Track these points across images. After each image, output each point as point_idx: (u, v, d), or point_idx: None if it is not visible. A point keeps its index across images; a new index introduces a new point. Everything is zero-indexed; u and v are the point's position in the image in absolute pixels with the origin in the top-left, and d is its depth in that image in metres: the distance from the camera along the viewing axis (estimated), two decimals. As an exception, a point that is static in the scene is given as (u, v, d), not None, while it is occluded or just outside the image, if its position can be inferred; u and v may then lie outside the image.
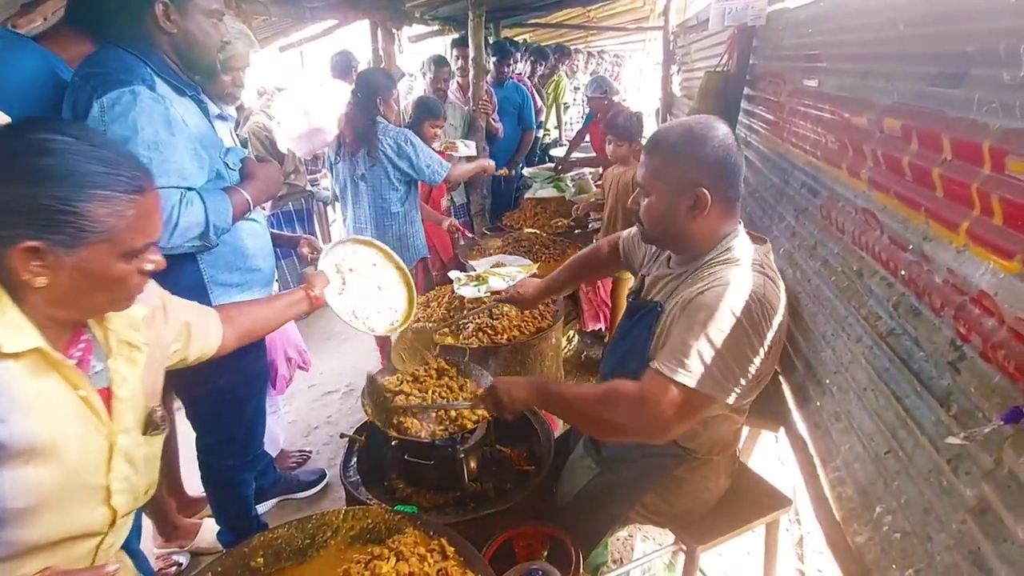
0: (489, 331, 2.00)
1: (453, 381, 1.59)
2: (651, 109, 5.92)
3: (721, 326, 1.02)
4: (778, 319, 1.06)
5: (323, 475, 2.42)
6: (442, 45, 5.36)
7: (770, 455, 2.39)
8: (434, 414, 1.46)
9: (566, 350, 3.07)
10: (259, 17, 2.46)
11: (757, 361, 1.06)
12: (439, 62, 3.75)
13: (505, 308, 2.08)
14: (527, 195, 3.76)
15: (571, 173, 4.18)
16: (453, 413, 1.46)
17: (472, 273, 2.26)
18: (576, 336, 3.26)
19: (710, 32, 3.82)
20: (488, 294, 2.09)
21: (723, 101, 2.93)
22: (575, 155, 4.54)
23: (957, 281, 1.07)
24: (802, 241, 1.94)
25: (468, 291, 2.08)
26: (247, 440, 1.80)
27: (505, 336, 1.99)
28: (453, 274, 2.26)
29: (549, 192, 3.72)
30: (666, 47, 5.36)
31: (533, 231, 3.13)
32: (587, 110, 7.18)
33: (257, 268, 1.62)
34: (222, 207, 1.36)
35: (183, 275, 1.42)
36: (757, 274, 1.08)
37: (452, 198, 4.00)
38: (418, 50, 5.52)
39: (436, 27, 4.80)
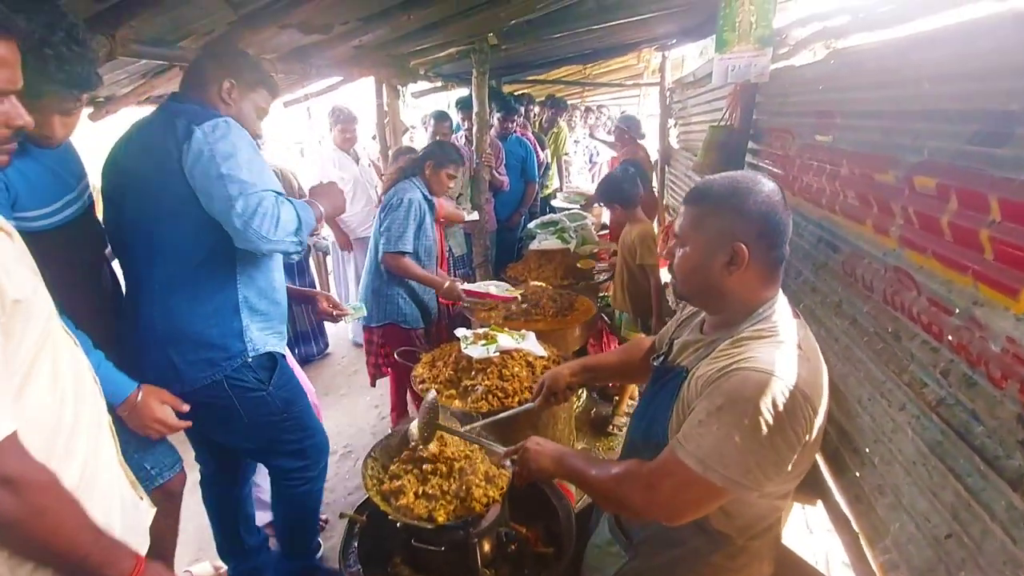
0: (499, 393, 1.89)
1: (464, 461, 1.47)
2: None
3: (748, 422, 0.91)
4: (819, 419, 0.95)
5: (318, 547, 2.27)
6: (444, 100, 5.49)
7: (798, 523, 2.24)
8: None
9: (576, 408, 2.94)
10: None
11: (791, 460, 0.95)
12: (439, 116, 3.82)
13: (515, 369, 1.98)
14: (531, 246, 3.72)
15: (574, 224, 4.17)
16: (463, 494, 1.34)
17: (480, 331, 2.17)
18: (585, 393, 3.14)
19: (708, 88, 3.91)
20: (497, 353, 1.99)
21: (728, 154, 2.94)
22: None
23: (1021, 351, 0.98)
24: (824, 298, 1.87)
25: (476, 351, 1.98)
26: (313, 447, 1.90)
27: (516, 399, 1.88)
28: (460, 332, 2.17)
29: (553, 244, 3.68)
30: (663, 102, 5.50)
31: (539, 284, 3.06)
32: (586, 161, 7.34)
33: (279, 302, 1.74)
34: (307, 211, 1.56)
35: (217, 295, 1.56)
36: (799, 360, 0.98)
37: (451, 249, 3.97)
38: (419, 104, 5.65)
39: (439, 83, 4.91)
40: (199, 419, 1.55)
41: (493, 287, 2.77)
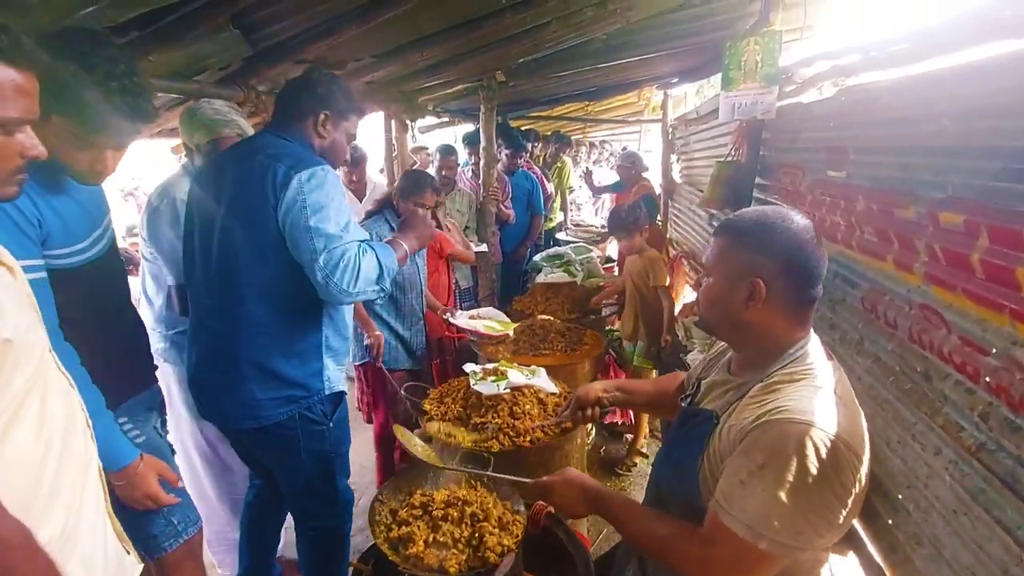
0: (511, 432, 1.82)
1: (477, 506, 1.40)
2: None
3: (793, 479, 0.85)
4: (864, 467, 0.90)
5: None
6: (451, 134, 5.57)
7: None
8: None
9: (586, 446, 2.85)
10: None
11: (841, 514, 0.89)
12: (445, 151, 3.85)
13: (527, 407, 1.92)
14: (537, 279, 3.70)
15: (579, 257, 4.16)
16: (475, 542, 1.27)
17: (489, 367, 2.12)
18: (594, 429, 3.05)
19: (711, 124, 3.97)
20: (508, 390, 1.94)
21: (735, 189, 2.95)
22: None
23: (1070, 395, 0.94)
24: (844, 335, 1.83)
25: (486, 387, 1.92)
26: (345, 490, 1.87)
27: (528, 438, 1.81)
28: (468, 367, 2.11)
29: (559, 277, 3.66)
30: (665, 138, 5.58)
31: (547, 317, 3.02)
32: (590, 195, 7.41)
33: (348, 338, 1.80)
34: (389, 256, 1.56)
35: (306, 337, 1.60)
36: (838, 407, 0.92)
37: (457, 281, 3.94)
38: (425, 139, 5.73)
39: (446, 118, 4.99)
40: (261, 447, 1.62)
41: (481, 325, 2.66)
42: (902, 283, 1.52)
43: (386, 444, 2.68)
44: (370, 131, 4.29)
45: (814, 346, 1.03)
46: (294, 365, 1.56)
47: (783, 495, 0.85)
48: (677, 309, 3.62)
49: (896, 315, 1.55)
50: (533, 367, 2.15)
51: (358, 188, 3.52)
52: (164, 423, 1.62)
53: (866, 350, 1.69)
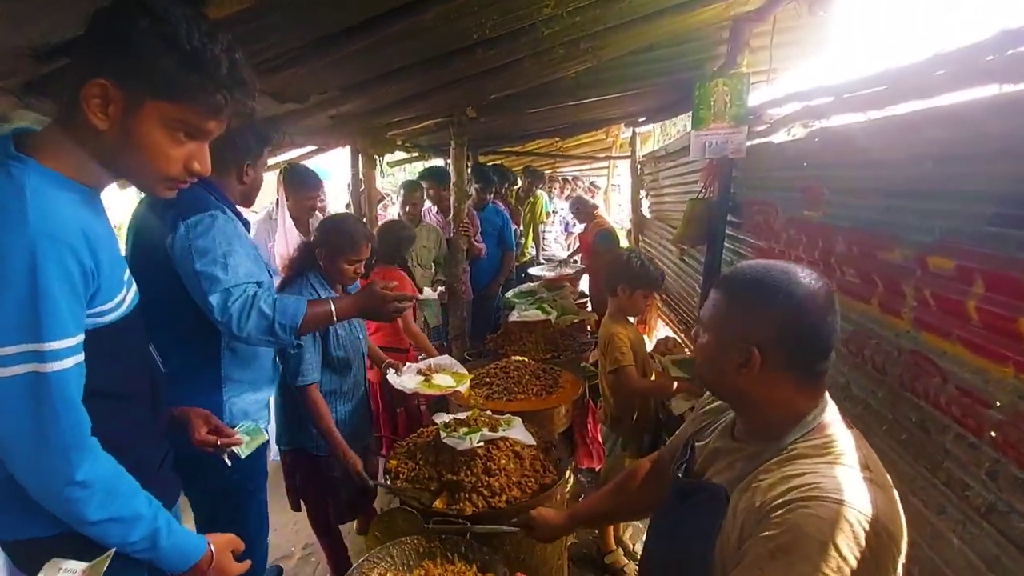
0: (485, 492, 1.67)
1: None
2: (620, 229, 6.11)
3: (823, 568, 0.71)
4: (900, 555, 0.76)
5: (280, 572, 2.42)
6: (422, 168, 5.50)
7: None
8: None
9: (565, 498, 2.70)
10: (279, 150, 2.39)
11: None
12: (409, 186, 3.76)
13: (502, 462, 1.77)
14: (511, 317, 3.58)
15: (552, 294, 4.08)
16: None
17: (461, 416, 1.97)
18: (571, 475, 2.90)
19: (680, 161, 4.02)
20: (481, 443, 1.79)
21: (708, 226, 2.94)
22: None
23: (1092, 458, 0.87)
24: (830, 378, 1.77)
25: (456, 441, 1.77)
26: (257, 540, 1.76)
27: (504, 497, 1.66)
28: (438, 418, 1.96)
29: (533, 315, 3.56)
30: (634, 174, 5.65)
31: (521, 359, 2.89)
32: (561, 231, 7.44)
33: (266, 367, 1.74)
34: (291, 309, 1.47)
35: (202, 370, 1.57)
36: (863, 480, 0.79)
37: (426, 319, 3.80)
38: (395, 173, 5.64)
39: (416, 153, 4.93)
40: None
41: (417, 382, 2.22)
42: (889, 327, 1.47)
43: (327, 528, 2.22)
44: (336, 165, 4.18)
45: (831, 414, 0.89)
46: (191, 397, 1.48)
47: None
48: (651, 346, 3.55)
49: (884, 360, 1.49)
50: (508, 416, 2.01)
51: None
52: None
53: (854, 396, 1.63)
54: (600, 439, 2.88)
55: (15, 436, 0.85)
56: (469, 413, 2.01)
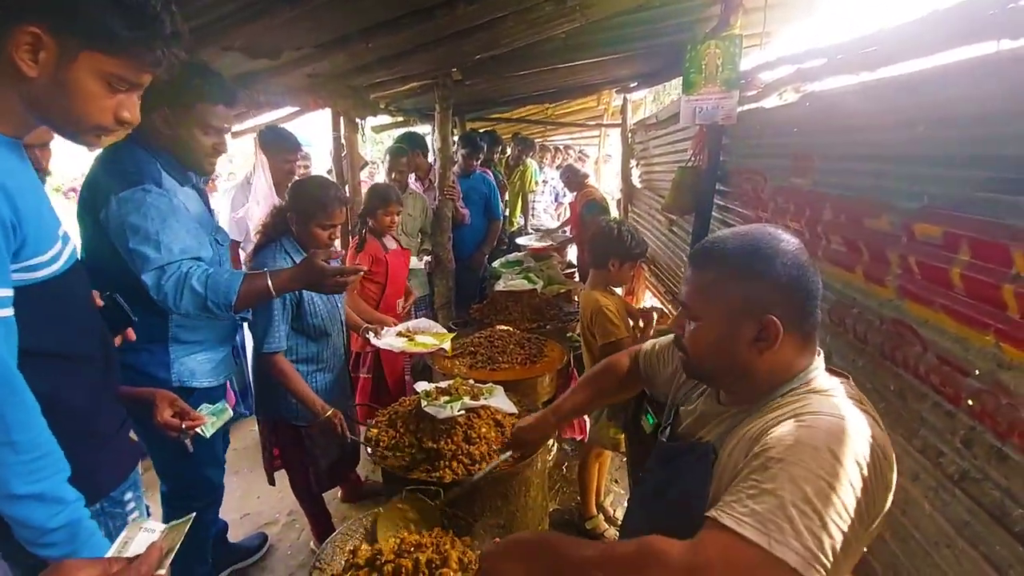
0: (465, 459, 1.67)
1: (429, 550, 1.23)
2: (611, 199, 6.04)
3: (826, 478, 0.67)
4: (894, 474, 0.74)
5: (265, 539, 2.41)
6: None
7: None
8: None
9: (548, 463, 2.72)
10: (240, 109, 2.27)
11: (869, 530, 0.73)
12: (395, 152, 3.65)
13: (482, 430, 1.77)
14: (497, 287, 3.55)
15: (539, 264, 4.05)
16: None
17: (443, 385, 1.95)
18: (555, 445, 2.93)
19: (670, 129, 3.94)
20: (462, 412, 1.78)
21: (696, 195, 2.90)
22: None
23: (1068, 426, 0.86)
24: (811, 347, 1.76)
25: (437, 409, 1.76)
26: (209, 481, 1.88)
27: (484, 465, 1.66)
28: (420, 386, 1.94)
29: (519, 284, 3.53)
30: (624, 143, 5.55)
31: (505, 328, 2.88)
32: (551, 200, 7.35)
33: (220, 327, 1.75)
34: (222, 287, 1.46)
35: (150, 329, 1.53)
36: (860, 411, 0.78)
37: (411, 289, 3.75)
38: (381, 139, 5.50)
39: (400, 118, 4.78)
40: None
41: (403, 342, 2.24)
42: (872, 296, 1.45)
43: (309, 495, 2.21)
44: (317, 129, 4.04)
45: (821, 369, 0.87)
46: (138, 354, 1.56)
47: (812, 494, 0.67)
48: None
49: (866, 329, 1.48)
50: (490, 385, 2.00)
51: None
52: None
53: (835, 364, 1.62)
54: (584, 408, 2.89)
55: None
56: (451, 382, 1.99)
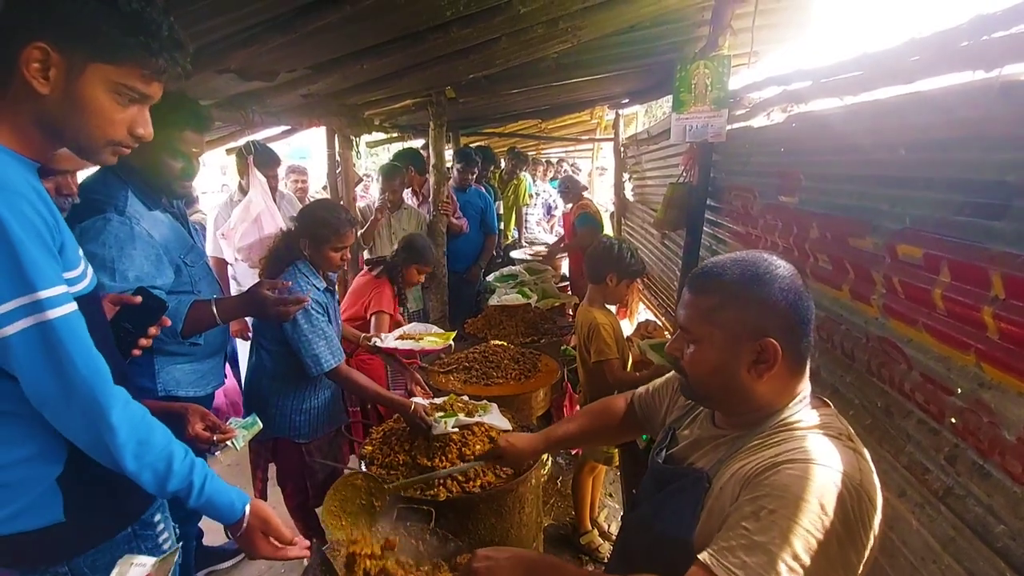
0: (459, 477, 1.67)
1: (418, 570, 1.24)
2: (605, 212, 6.09)
3: (814, 531, 0.71)
4: (877, 517, 0.77)
5: None
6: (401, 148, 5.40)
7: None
8: None
9: (543, 476, 2.72)
10: (210, 135, 2.28)
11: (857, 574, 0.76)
12: (388, 171, 3.68)
13: (477, 447, 1.77)
14: (491, 301, 3.56)
15: (534, 277, 4.07)
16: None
17: (437, 401, 1.96)
18: (549, 459, 2.93)
19: (662, 144, 4.00)
20: (457, 429, 1.79)
21: (688, 211, 2.93)
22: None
23: (1045, 446, 0.89)
24: (801, 363, 1.79)
25: (434, 425, 1.77)
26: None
27: (478, 483, 1.67)
28: (415, 402, 1.95)
29: (513, 299, 3.54)
30: (617, 157, 5.62)
31: (499, 343, 2.89)
32: (544, 213, 7.39)
33: (208, 340, 1.75)
34: (170, 314, 1.42)
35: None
36: (844, 447, 0.81)
37: (406, 305, 3.77)
38: (377, 152, 5.54)
39: (395, 134, 4.82)
40: None
41: (412, 343, 2.33)
42: (859, 314, 1.48)
43: (305, 511, 2.20)
44: (316, 145, 4.07)
45: (807, 403, 0.89)
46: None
47: (801, 548, 0.70)
48: (629, 331, 3.56)
49: (853, 346, 1.51)
50: (485, 402, 2.00)
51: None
52: None
53: (823, 380, 1.65)
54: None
55: (44, 393, 0.86)
56: (446, 398, 2.00)
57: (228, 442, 1.42)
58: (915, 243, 1.21)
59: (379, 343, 2.33)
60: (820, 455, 0.77)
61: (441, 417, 1.82)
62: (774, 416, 0.87)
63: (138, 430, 0.93)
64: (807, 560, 0.70)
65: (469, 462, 1.64)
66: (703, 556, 0.77)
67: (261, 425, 1.57)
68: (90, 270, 1.06)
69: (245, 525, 1.05)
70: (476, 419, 1.84)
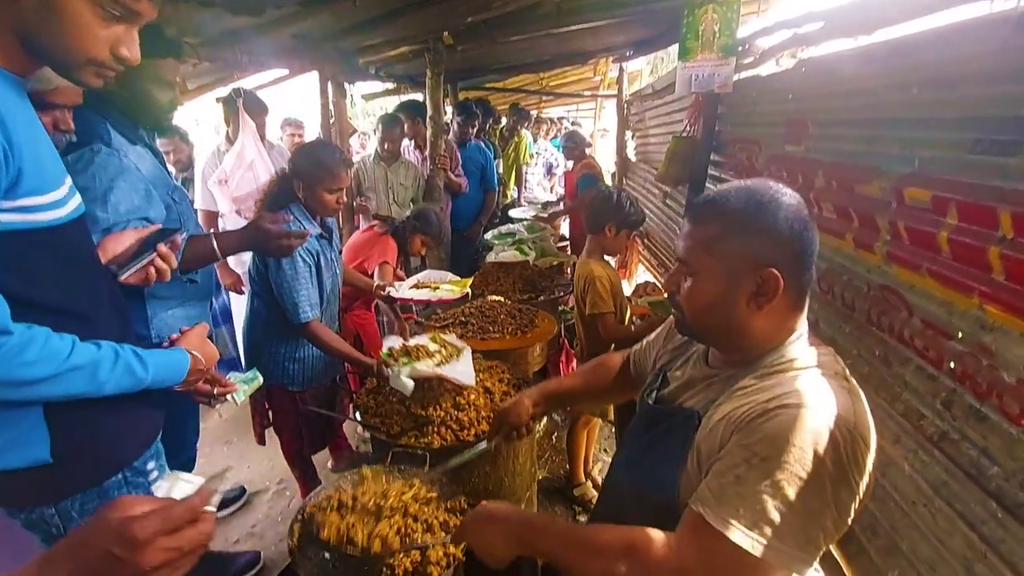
0: (454, 425, 1.68)
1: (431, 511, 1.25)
2: (607, 173, 5.98)
3: (807, 476, 0.70)
4: (871, 457, 0.75)
5: (257, 558, 2.16)
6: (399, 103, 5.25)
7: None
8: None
9: (537, 432, 2.75)
10: (190, 62, 2.18)
11: (851, 515, 0.74)
12: (388, 121, 3.56)
13: (471, 397, 1.77)
14: (488, 258, 3.53)
15: (532, 236, 4.02)
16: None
17: (412, 344, 1.86)
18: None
19: (666, 100, 3.88)
20: (412, 382, 1.66)
21: (690, 165, 2.87)
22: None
23: (1045, 384, 0.87)
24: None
25: (402, 383, 1.61)
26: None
27: (472, 432, 1.67)
28: (387, 343, 1.86)
29: (511, 256, 3.50)
30: (620, 114, 5.48)
31: (497, 298, 2.87)
32: (544, 172, 7.26)
33: (198, 284, 1.72)
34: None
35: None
36: (839, 388, 0.78)
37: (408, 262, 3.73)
38: (372, 109, 5.39)
39: (391, 85, 4.68)
40: None
41: (427, 292, 2.32)
42: (861, 263, 1.45)
43: (301, 459, 2.23)
44: (310, 111, 3.92)
45: (804, 341, 0.86)
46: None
47: (793, 496, 0.69)
48: (630, 290, 3.54)
49: (854, 296, 1.48)
50: (456, 344, 1.88)
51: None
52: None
53: (822, 332, 1.63)
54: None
55: None
56: (417, 341, 1.90)
57: (228, 396, 1.39)
58: (923, 185, 1.17)
59: (394, 292, 2.31)
60: (814, 399, 0.75)
61: (404, 363, 1.74)
62: (771, 354, 0.85)
63: (37, 336, 0.87)
64: (800, 506, 0.70)
65: (468, 454, 1.47)
66: (696, 505, 0.76)
67: (262, 380, 1.54)
68: (77, 197, 1.01)
69: (195, 356, 1.13)
70: (434, 370, 1.70)
